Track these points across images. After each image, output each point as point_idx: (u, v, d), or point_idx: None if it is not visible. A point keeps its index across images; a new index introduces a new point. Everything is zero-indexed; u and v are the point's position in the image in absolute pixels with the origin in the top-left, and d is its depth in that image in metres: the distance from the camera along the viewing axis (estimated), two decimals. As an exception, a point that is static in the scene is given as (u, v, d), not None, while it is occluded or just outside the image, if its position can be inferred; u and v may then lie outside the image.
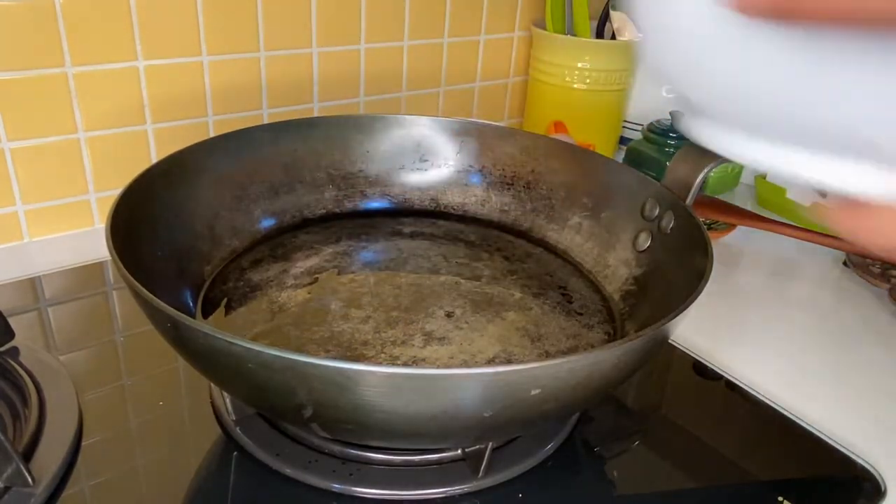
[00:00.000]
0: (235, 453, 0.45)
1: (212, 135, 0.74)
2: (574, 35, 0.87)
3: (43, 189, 0.68)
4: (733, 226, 0.75)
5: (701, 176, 0.54)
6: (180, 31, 0.69)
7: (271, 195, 0.62)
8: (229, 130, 0.61)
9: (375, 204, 0.68)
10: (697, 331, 0.58)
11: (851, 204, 0.30)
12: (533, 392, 0.36)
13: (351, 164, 0.66)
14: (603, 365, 0.39)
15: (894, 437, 0.52)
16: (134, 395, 0.51)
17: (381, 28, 0.81)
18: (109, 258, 0.42)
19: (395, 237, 0.65)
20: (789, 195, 0.83)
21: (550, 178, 0.65)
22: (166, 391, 0.51)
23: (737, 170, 0.90)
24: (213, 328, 0.36)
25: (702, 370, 0.57)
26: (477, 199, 0.68)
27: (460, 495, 0.43)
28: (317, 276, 0.58)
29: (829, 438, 0.50)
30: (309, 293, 0.56)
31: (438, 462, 0.45)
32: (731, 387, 0.56)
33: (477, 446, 0.44)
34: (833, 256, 0.75)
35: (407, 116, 0.67)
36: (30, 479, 0.39)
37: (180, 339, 0.39)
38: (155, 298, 0.38)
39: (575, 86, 0.88)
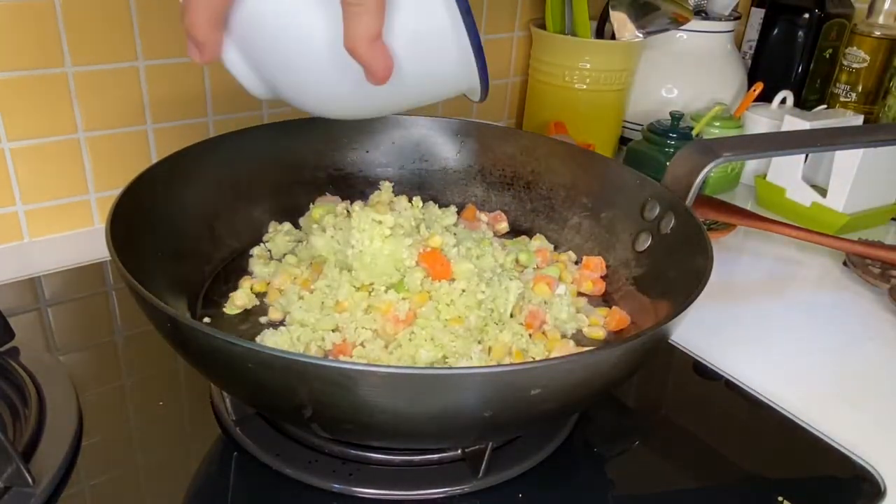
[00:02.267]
0: (235, 453, 0.45)
1: (212, 135, 0.74)
2: (574, 35, 0.87)
3: (43, 189, 0.68)
4: (733, 226, 0.75)
5: (701, 176, 0.54)
6: (180, 32, 0.68)
7: (271, 195, 0.62)
8: (229, 130, 0.61)
9: (375, 204, 0.68)
10: (697, 331, 0.58)
11: None
12: (533, 392, 0.36)
13: (351, 164, 0.66)
14: (603, 365, 0.39)
15: (894, 437, 0.52)
16: (134, 395, 0.51)
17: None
18: (109, 258, 0.42)
19: (395, 237, 0.65)
20: (789, 195, 0.83)
21: (550, 178, 0.65)
22: (166, 391, 0.51)
23: (737, 170, 0.90)
24: (213, 328, 0.36)
25: (702, 370, 0.57)
26: (477, 199, 0.68)
27: (460, 495, 0.43)
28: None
29: (829, 438, 0.50)
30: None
31: (438, 462, 0.45)
32: (731, 387, 0.56)
33: (477, 446, 0.44)
34: (833, 256, 0.75)
35: (407, 117, 0.67)
36: (30, 479, 0.39)
37: (180, 339, 0.39)
38: (155, 298, 0.38)
39: (575, 86, 0.88)
